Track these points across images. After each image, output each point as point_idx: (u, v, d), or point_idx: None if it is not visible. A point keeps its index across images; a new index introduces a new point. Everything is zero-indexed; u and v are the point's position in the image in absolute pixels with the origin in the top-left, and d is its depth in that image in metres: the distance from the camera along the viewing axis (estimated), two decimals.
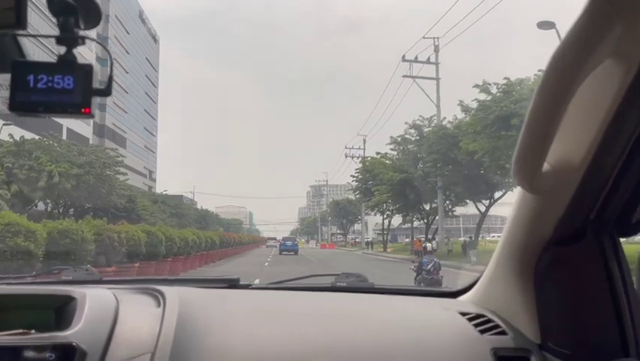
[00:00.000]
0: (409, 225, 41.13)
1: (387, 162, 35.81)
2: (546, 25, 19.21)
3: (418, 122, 32.49)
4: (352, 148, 53.70)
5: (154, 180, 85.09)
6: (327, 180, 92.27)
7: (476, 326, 1.43)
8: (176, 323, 1.25)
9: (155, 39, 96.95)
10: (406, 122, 33.25)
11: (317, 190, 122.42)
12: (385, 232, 45.86)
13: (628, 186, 1.12)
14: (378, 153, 37.73)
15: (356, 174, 44.62)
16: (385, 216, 43.30)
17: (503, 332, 1.40)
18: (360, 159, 49.46)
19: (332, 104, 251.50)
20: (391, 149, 35.36)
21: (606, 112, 1.01)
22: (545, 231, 1.24)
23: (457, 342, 1.40)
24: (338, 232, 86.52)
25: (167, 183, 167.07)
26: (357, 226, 79.34)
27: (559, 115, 0.97)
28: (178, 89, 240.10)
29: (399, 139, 34.22)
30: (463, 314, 1.49)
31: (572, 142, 1.09)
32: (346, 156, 53.29)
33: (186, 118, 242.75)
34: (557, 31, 18.24)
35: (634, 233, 1.25)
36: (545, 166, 1.09)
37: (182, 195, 72.67)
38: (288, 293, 1.83)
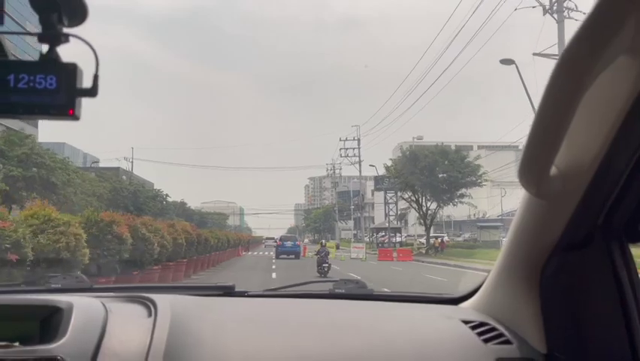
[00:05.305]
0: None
1: None
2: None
3: None
4: None
5: (34, 126, 41.08)
6: (359, 139, 57.87)
7: (480, 334, 1.39)
8: (167, 333, 1.21)
9: None
10: None
11: (320, 180, 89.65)
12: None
13: (638, 190, 1.08)
14: None
15: None
16: None
17: (508, 341, 1.36)
18: None
19: (326, 100, 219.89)
20: None
21: (618, 113, 0.96)
22: (552, 236, 1.20)
23: (460, 352, 1.36)
24: (390, 226, 50.67)
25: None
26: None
27: (568, 116, 0.93)
28: (170, 86, 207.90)
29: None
30: (466, 322, 1.45)
31: (581, 144, 1.04)
32: None
33: (184, 116, 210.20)
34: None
35: None
36: (553, 169, 1.05)
37: (118, 168, 42.24)
38: (285, 301, 1.79)
